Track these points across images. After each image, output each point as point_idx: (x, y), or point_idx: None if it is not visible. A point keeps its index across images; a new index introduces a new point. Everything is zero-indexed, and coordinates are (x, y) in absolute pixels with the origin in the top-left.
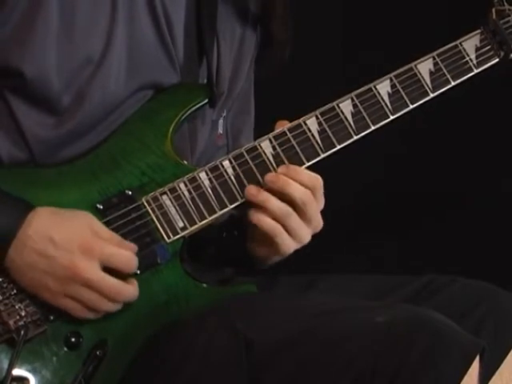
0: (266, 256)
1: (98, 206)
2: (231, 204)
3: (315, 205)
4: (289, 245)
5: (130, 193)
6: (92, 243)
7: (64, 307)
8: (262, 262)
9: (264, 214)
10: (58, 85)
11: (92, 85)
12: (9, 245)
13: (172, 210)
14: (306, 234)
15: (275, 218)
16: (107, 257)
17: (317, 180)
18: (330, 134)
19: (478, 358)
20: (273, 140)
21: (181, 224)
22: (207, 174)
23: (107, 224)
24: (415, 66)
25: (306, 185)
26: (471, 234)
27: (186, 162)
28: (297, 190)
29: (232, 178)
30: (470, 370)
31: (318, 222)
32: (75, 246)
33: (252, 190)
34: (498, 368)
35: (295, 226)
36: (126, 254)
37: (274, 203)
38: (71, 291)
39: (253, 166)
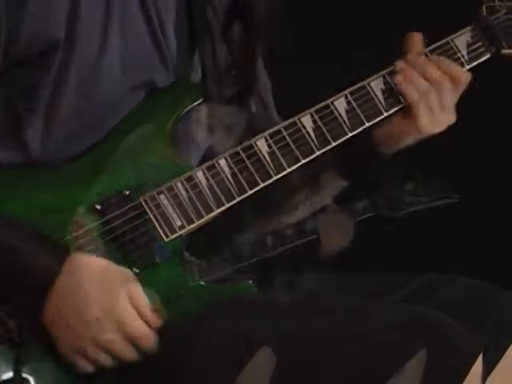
0: (401, 130)
1: (97, 206)
2: (228, 202)
3: (451, 94)
4: (424, 122)
5: (128, 192)
6: (127, 322)
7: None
8: (392, 142)
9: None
10: (57, 86)
11: (90, 86)
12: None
13: (169, 209)
14: (440, 116)
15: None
16: (135, 338)
17: (463, 74)
18: (325, 132)
19: (481, 357)
20: (268, 138)
21: (179, 223)
22: (204, 173)
23: (106, 223)
24: None
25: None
26: (471, 234)
27: (183, 162)
28: (434, 72)
29: (228, 176)
30: (474, 368)
31: (451, 115)
32: (110, 320)
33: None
34: (495, 367)
35: (433, 103)
36: (151, 338)
37: (419, 79)
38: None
39: (249, 165)
